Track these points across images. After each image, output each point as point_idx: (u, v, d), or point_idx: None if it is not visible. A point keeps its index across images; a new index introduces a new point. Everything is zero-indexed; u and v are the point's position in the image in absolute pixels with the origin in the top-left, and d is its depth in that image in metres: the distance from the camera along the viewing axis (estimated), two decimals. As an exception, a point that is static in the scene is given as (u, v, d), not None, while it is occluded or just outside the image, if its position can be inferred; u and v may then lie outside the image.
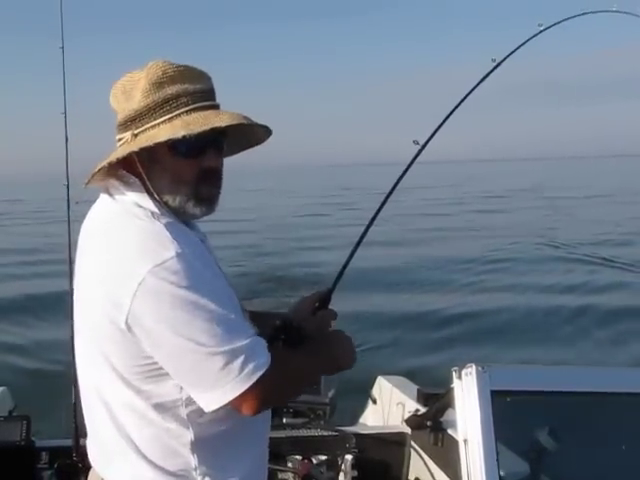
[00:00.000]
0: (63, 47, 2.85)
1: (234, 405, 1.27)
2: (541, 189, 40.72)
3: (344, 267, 1.73)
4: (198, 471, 1.37)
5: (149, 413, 1.33)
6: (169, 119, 1.34)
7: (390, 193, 1.78)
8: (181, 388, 1.31)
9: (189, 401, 1.32)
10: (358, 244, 1.72)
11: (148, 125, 1.36)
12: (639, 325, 8.94)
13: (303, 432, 2.98)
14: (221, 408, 1.27)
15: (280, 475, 2.86)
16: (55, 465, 2.72)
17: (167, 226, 1.30)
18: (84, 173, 1.49)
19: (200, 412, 1.32)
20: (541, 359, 7.31)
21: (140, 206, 1.34)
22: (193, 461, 1.36)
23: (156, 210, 1.34)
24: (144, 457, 1.35)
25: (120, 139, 1.40)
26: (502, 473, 1.62)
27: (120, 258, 1.27)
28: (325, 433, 3.00)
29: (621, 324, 9.03)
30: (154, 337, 1.24)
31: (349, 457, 2.96)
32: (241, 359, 1.25)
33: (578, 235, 17.97)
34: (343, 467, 2.96)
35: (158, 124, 1.35)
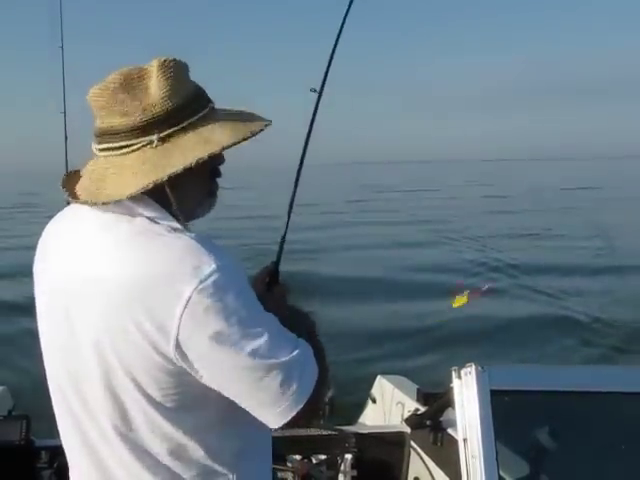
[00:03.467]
0: (62, 46, 2.86)
1: (295, 416, 1.19)
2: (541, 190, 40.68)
3: (283, 238, 1.69)
4: None
5: (188, 438, 1.24)
6: (201, 120, 1.22)
7: (304, 152, 1.72)
8: (219, 408, 1.24)
9: (227, 419, 1.26)
10: (289, 211, 1.67)
11: (177, 128, 1.20)
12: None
13: (302, 431, 2.98)
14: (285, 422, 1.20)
15: (280, 474, 2.85)
16: (55, 465, 2.72)
17: (197, 239, 1.16)
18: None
19: (235, 427, 1.27)
20: (541, 359, 7.32)
21: (155, 221, 1.20)
22: (231, 476, 1.31)
23: (175, 224, 1.21)
24: None
25: (129, 145, 1.20)
26: (501, 472, 1.62)
27: (157, 280, 1.13)
28: (325, 432, 2.99)
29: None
30: (208, 358, 1.14)
31: (349, 456, 2.96)
32: (299, 369, 1.19)
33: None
34: (343, 466, 2.96)
35: (185, 128, 1.20)
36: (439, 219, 23.28)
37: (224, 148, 1.20)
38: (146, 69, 1.22)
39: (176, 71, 1.22)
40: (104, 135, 1.22)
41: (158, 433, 1.22)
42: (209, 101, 1.27)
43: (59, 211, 1.38)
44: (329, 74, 1.72)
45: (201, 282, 1.10)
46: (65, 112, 2.88)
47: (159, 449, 1.24)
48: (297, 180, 1.71)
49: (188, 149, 1.18)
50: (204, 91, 1.27)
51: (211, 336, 1.11)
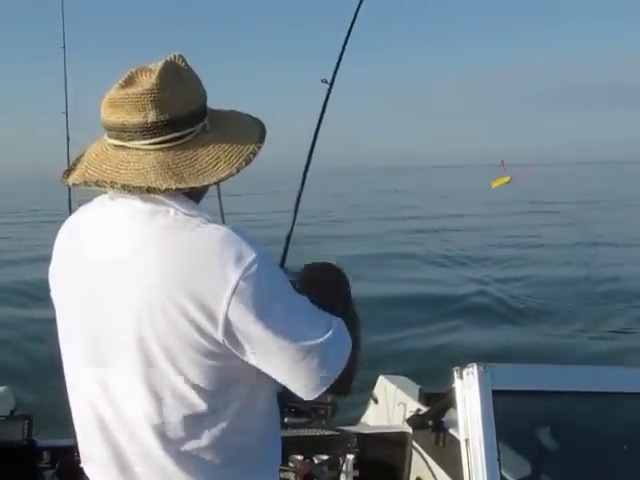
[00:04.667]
0: (65, 47, 2.86)
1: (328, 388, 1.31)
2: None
3: (288, 237, 1.74)
4: (263, 461, 1.44)
5: (226, 418, 1.30)
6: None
7: (313, 144, 1.75)
8: (246, 391, 1.32)
9: (259, 396, 1.36)
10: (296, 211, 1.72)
11: (206, 121, 1.30)
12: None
13: (304, 432, 2.98)
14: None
15: (281, 475, 2.85)
16: (57, 465, 2.72)
17: (235, 230, 1.23)
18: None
19: (263, 402, 1.38)
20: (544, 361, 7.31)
21: (191, 215, 1.25)
22: (261, 453, 1.42)
23: (208, 217, 1.26)
24: (222, 465, 1.34)
25: (181, 135, 1.26)
26: (503, 472, 1.62)
27: (202, 267, 1.18)
28: (326, 433, 2.99)
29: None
30: (254, 341, 1.21)
31: (350, 457, 2.95)
32: (334, 348, 1.28)
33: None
34: (344, 467, 2.95)
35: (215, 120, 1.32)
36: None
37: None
38: (175, 65, 1.29)
39: (190, 67, 1.31)
40: (160, 128, 1.24)
41: (186, 417, 1.26)
42: None
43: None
44: (340, 65, 1.75)
45: (246, 270, 1.18)
46: (67, 112, 2.88)
47: (184, 435, 1.28)
48: (306, 172, 1.73)
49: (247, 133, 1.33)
50: None
51: (257, 321, 1.19)
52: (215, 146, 1.28)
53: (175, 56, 1.30)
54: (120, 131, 1.26)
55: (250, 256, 1.19)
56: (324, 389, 1.29)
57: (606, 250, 15.79)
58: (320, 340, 1.25)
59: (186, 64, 1.30)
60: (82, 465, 1.46)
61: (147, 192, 1.22)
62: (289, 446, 2.92)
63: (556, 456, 1.75)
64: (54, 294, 1.42)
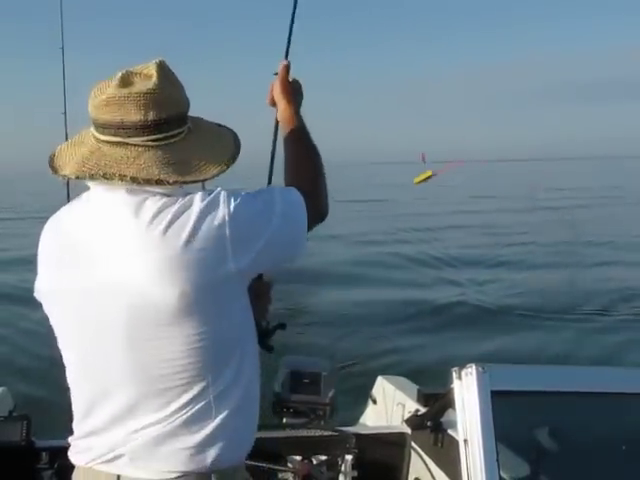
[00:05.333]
0: (63, 47, 2.86)
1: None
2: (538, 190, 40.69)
3: None
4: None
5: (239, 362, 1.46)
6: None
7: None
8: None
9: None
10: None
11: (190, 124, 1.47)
12: None
13: (303, 432, 2.98)
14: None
15: (280, 475, 2.85)
16: (55, 465, 2.71)
17: (197, 191, 1.40)
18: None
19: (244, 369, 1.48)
20: (543, 359, 7.32)
21: (174, 195, 1.39)
22: (257, 398, 1.55)
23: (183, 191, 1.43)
24: (237, 409, 1.46)
25: (174, 134, 1.41)
26: (502, 473, 1.62)
27: (198, 227, 1.34)
28: (325, 433, 2.99)
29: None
30: (258, 241, 1.39)
31: (349, 457, 2.96)
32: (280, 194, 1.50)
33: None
34: (343, 467, 2.95)
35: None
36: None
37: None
38: (166, 68, 1.41)
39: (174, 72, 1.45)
40: (158, 126, 1.37)
41: (173, 368, 1.37)
42: None
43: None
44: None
45: (227, 206, 1.36)
46: (66, 113, 2.88)
47: (170, 384, 1.39)
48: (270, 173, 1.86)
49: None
50: None
51: (252, 228, 1.40)
52: (202, 146, 1.44)
53: (161, 60, 1.41)
54: (118, 128, 1.36)
55: (222, 195, 1.37)
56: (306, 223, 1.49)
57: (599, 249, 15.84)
58: (279, 202, 1.44)
59: (168, 67, 1.42)
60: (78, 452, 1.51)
61: (156, 184, 1.34)
62: (288, 447, 2.93)
63: (555, 456, 1.75)
64: (48, 292, 1.48)
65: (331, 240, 17.59)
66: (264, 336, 1.99)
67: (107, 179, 1.35)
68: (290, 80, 1.77)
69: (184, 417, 1.41)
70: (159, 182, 1.34)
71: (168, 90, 1.38)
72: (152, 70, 1.38)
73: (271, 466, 2.77)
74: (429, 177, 2.22)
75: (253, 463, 2.33)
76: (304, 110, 1.76)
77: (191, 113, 1.49)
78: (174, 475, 1.41)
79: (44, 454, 2.76)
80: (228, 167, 1.43)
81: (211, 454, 1.43)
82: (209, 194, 1.38)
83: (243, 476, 1.58)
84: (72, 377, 1.53)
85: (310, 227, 1.52)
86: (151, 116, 1.35)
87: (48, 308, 1.49)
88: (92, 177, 1.37)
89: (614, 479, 1.83)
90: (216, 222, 1.34)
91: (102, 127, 1.38)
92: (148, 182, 1.34)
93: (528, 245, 16.60)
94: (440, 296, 10.79)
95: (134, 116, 1.34)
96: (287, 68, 1.78)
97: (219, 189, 1.39)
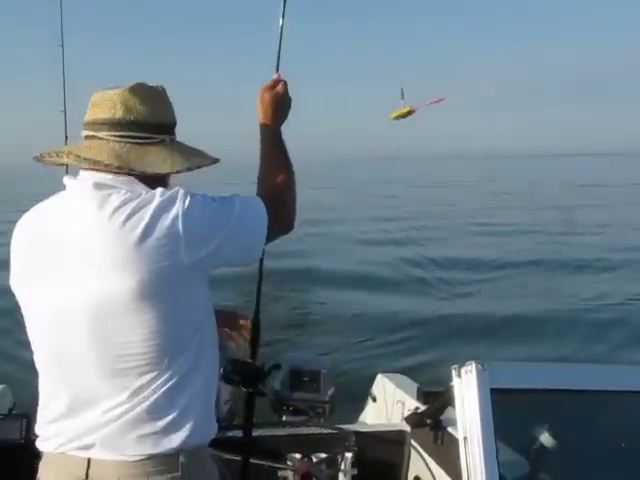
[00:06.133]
0: (63, 45, 2.86)
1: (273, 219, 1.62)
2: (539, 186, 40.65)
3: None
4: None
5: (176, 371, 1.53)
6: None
7: None
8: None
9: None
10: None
11: (174, 136, 1.64)
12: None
13: (303, 430, 2.98)
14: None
15: (280, 473, 2.86)
16: None
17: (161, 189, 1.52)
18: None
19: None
20: (541, 357, 7.32)
21: (137, 192, 1.50)
22: (216, 384, 1.67)
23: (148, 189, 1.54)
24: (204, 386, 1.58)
25: (149, 137, 1.56)
26: (502, 471, 1.62)
27: (154, 222, 1.45)
28: (325, 431, 3.00)
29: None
30: (208, 238, 1.49)
31: (349, 455, 2.96)
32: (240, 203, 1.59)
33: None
34: (343, 465, 2.96)
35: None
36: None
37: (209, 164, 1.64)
38: (154, 87, 1.61)
39: (167, 97, 1.64)
40: (128, 125, 1.54)
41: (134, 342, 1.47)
42: None
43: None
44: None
45: (182, 205, 1.46)
46: (65, 111, 2.88)
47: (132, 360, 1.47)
48: None
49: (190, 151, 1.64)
50: None
51: (203, 226, 1.49)
52: (168, 153, 1.57)
53: (158, 85, 1.62)
54: (92, 124, 1.56)
55: (180, 194, 1.48)
56: (266, 230, 1.59)
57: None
58: (238, 207, 1.54)
59: (164, 92, 1.63)
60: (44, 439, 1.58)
61: (93, 164, 1.50)
62: (287, 444, 2.93)
63: (555, 454, 1.75)
64: (22, 282, 1.59)
65: (330, 237, 17.61)
66: (258, 379, 2.04)
67: (59, 157, 1.56)
68: (280, 93, 1.82)
69: (148, 401, 1.49)
70: (96, 163, 1.49)
71: (141, 98, 1.55)
72: (134, 84, 1.58)
73: (271, 464, 2.77)
74: (408, 113, 2.19)
75: (253, 461, 2.33)
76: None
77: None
78: (142, 457, 1.49)
79: None
80: (188, 170, 1.57)
81: (177, 437, 1.51)
82: (169, 192, 1.48)
83: (208, 453, 1.64)
84: (39, 362, 1.60)
85: (270, 238, 1.62)
86: (117, 115, 1.53)
87: (19, 296, 1.61)
88: (55, 156, 1.57)
89: (614, 477, 1.83)
90: (170, 217, 1.44)
91: (84, 125, 1.59)
92: (88, 162, 1.51)
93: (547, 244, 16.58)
94: (442, 295, 10.81)
95: (105, 114, 1.54)
96: (276, 82, 1.85)
97: (178, 187, 1.50)
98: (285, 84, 1.85)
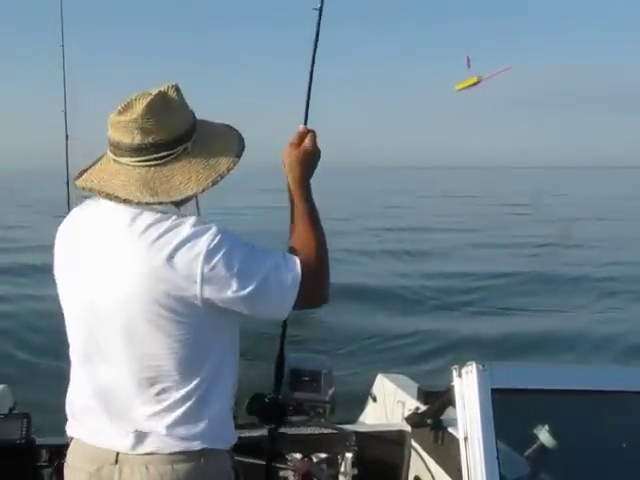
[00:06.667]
0: (63, 45, 2.85)
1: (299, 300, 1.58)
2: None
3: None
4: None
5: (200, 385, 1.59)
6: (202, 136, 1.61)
7: None
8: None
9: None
10: None
11: (190, 142, 1.58)
12: None
13: (303, 430, 2.98)
14: None
15: (280, 473, 2.85)
16: (55, 463, 2.72)
17: (195, 219, 1.54)
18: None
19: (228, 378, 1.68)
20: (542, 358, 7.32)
21: (167, 212, 1.54)
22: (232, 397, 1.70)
23: (180, 213, 1.59)
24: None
25: (170, 153, 1.54)
26: (502, 471, 1.62)
27: (180, 250, 1.49)
28: (325, 431, 3.00)
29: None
30: (228, 285, 1.51)
31: (349, 455, 2.96)
32: (275, 276, 1.56)
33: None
34: (343, 465, 2.96)
35: (195, 141, 1.59)
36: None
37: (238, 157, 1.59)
38: (165, 96, 1.55)
39: (181, 97, 1.58)
40: (147, 148, 1.53)
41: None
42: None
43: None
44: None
45: (211, 242, 1.47)
46: (66, 111, 2.88)
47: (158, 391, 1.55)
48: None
49: (220, 152, 1.59)
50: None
51: (226, 272, 1.48)
52: (190, 167, 1.55)
53: (169, 86, 1.56)
54: (116, 148, 1.56)
55: (210, 231, 1.48)
56: (293, 302, 1.53)
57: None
58: (268, 267, 1.51)
59: (177, 93, 1.57)
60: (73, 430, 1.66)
61: (123, 202, 1.51)
62: (288, 444, 2.92)
63: (555, 455, 1.75)
64: (59, 279, 1.65)
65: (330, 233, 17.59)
66: (281, 416, 2.28)
67: (97, 194, 1.56)
68: (309, 149, 1.69)
69: (174, 402, 1.55)
70: (127, 202, 1.51)
71: (157, 117, 1.52)
72: (148, 98, 1.53)
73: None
74: (475, 83, 2.06)
75: (253, 461, 2.33)
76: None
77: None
78: (167, 452, 1.55)
79: (44, 452, 2.76)
80: (204, 191, 1.55)
81: (199, 439, 1.56)
82: (201, 223, 1.50)
83: (228, 457, 1.68)
84: (76, 353, 1.66)
85: (300, 308, 1.56)
86: (136, 140, 1.52)
87: (59, 293, 1.66)
88: (89, 190, 1.58)
89: (615, 477, 1.83)
90: (194, 253, 1.46)
91: (109, 145, 1.59)
92: (118, 199, 1.52)
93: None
94: (442, 295, 10.80)
95: (125, 139, 1.53)
96: (304, 135, 1.71)
97: (212, 225, 1.51)
98: (314, 136, 1.70)
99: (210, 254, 1.46)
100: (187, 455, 1.55)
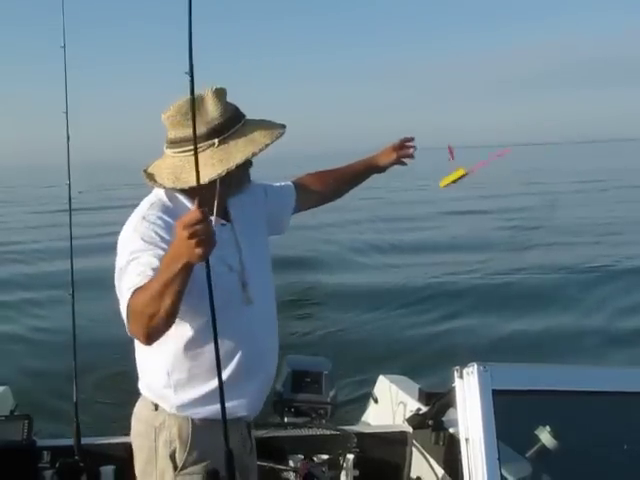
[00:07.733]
0: (65, 46, 2.85)
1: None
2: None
3: None
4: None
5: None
6: (242, 128, 1.85)
7: None
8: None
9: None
10: None
11: (228, 134, 1.81)
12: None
13: (305, 431, 2.99)
14: None
15: (282, 474, 2.86)
16: (56, 465, 2.72)
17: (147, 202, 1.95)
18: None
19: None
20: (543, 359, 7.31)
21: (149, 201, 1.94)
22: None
23: (164, 200, 1.93)
24: None
25: (191, 149, 1.69)
26: (504, 472, 1.61)
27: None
28: (327, 432, 3.00)
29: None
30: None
31: (351, 456, 2.96)
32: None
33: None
34: (345, 466, 2.96)
35: (233, 133, 1.83)
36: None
37: (267, 145, 1.80)
38: (202, 96, 1.80)
39: (222, 95, 1.84)
40: (179, 142, 1.85)
41: None
42: (243, 115, 1.88)
43: None
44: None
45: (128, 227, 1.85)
46: (67, 112, 2.88)
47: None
48: None
49: (241, 148, 1.80)
50: (238, 107, 1.89)
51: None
52: (214, 159, 1.78)
53: (212, 88, 1.82)
54: (165, 142, 1.91)
55: (134, 220, 1.86)
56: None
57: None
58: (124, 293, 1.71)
59: (217, 95, 1.82)
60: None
61: (151, 185, 1.91)
62: (289, 445, 2.93)
63: (556, 456, 1.75)
64: None
65: (329, 229, 17.59)
66: None
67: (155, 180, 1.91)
68: (198, 233, 1.50)
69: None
70: (156, 185, 1.89)
71: (186, 116, 1.74)
72: (183, 99, 1.81)
73: (273, 465, 2.77)
74: (462, 176, 1.78)
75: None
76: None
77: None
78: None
79: (45, 454, 2.76)
80: (219, 176, 1.76)
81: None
82: (139, 210, 1.89)
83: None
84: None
85: (129, 330, 1.72)
86: (171, 135, 1.86)
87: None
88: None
89: (616, 478, 1.83)
90: (122, 234, 1.85)
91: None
92: (149, 182, 1.90)
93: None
94: (442, 295, 10.79)
95: (169, 134, 1.88)
96: (199, 218, 1.47)
97: (142, 216, 1.83)
98: (209, 222, 1.48)
99: (119, 242, 1.82)
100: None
